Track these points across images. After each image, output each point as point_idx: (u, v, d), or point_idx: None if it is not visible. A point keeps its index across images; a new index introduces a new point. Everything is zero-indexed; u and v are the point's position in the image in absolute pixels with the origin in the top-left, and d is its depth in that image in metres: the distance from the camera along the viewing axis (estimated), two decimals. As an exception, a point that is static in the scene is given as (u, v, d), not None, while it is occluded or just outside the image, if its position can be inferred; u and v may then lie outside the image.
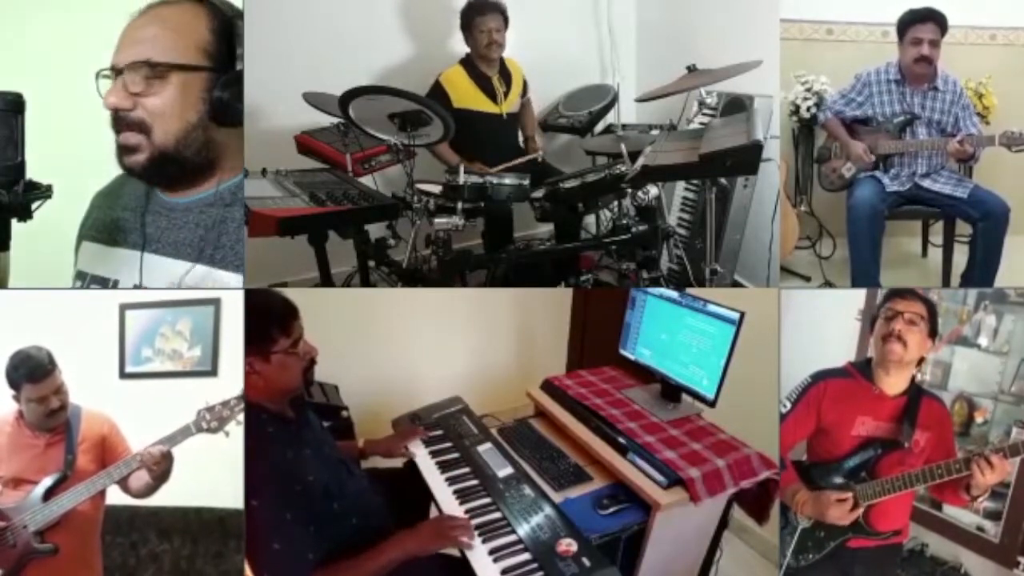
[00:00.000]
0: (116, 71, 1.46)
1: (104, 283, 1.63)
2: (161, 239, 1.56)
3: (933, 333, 1.74)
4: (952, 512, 2.23)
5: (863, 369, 1.80)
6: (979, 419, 2.22)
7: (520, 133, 3.35)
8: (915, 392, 1.76)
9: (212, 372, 2.48)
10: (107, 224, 1.66)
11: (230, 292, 1.55)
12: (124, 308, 2.52)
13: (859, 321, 2.54)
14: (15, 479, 1.83)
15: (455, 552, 1.60)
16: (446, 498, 1.78)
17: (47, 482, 1.79)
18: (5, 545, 1.74)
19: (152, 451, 1.73)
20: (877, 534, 1.73)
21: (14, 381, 1.83)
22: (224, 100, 1.49)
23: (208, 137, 1.51)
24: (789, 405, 1.79)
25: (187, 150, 1.50)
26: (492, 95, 3.10)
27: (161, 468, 1.75)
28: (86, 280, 1.66)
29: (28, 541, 1.75)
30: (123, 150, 1.49)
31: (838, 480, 1.73)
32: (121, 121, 1.47)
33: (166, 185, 1.57)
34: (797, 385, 1.82)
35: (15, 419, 1.88)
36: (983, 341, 2.26)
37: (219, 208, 1.54)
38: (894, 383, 1.76)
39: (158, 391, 2.48)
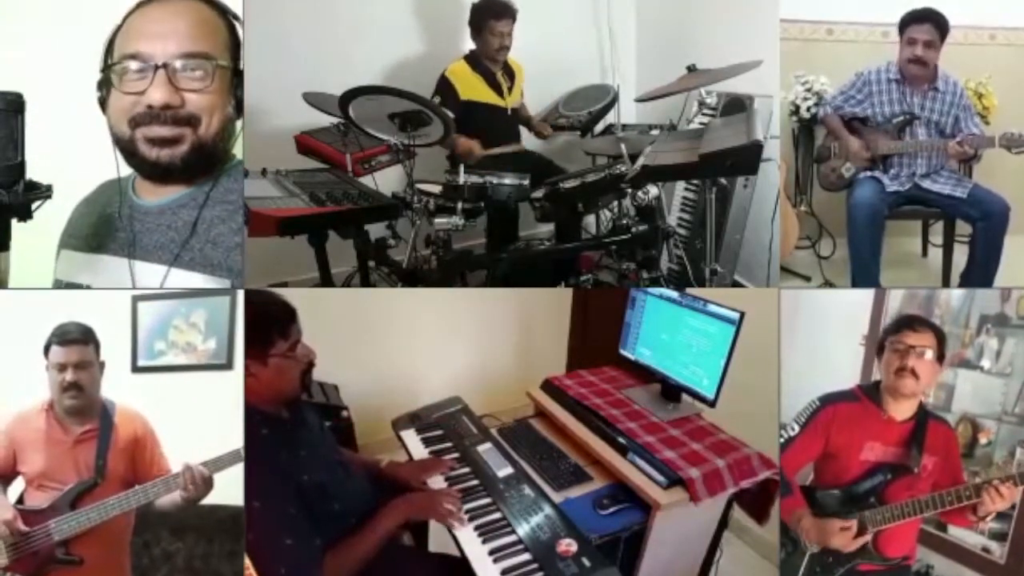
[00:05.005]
0: (155, 65, 1.42)
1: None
2: (135, 243, 1.53)
3: (941, 358, 1.74)
4: (958, 534, 2.21)
5: (871, 393, 1.79)
6: (983, 440, 2.22)
7: (525, 126, 3.38)
8: (922, 416, 1.76)
9: (228, 365, 2.43)
10: (84, 231, 1.62)
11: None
12: (136, 300, 2.46)
13: (863, 347, 2.53)
14: (41, 477, 1.77)
15: (455, 552, 1.61)
16: (446, 498, 1.77)
17: (76, 488, 1.73)
18: (28, 550, 1.68)
19: (195, 471, 1.68)
20: (886, 560, 1.72)
21: (47, 345, 1.79)
22: (241, 99, 1.53)
23: (233, 132, 1.54)
24: (797, 428, 1.78)
25: (223, 143, 1.51)
26: (498, 89, 3.12)
27: (199, 492, 1.70)
28: (62, 288, 1.62)
29: (52, 549, 1.69)
30: (157, 143, 1.45)
31: (847, 507, 1.72)
32: (160, 117, 1.44)
33: (186, 179, 1.53)
34: (805, 407, 1.80)
35: (44, 411, 1.81)
36: (986, 363, 2.27)
37: (192, 210, 1.51)
38: (903, 409, 1.75)
39: (172, 385, 2.45)
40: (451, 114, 2.78)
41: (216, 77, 1.46)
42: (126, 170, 1.56)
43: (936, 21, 2.65)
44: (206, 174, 1.54)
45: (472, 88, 3.04)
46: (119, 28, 1.50)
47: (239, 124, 1.57)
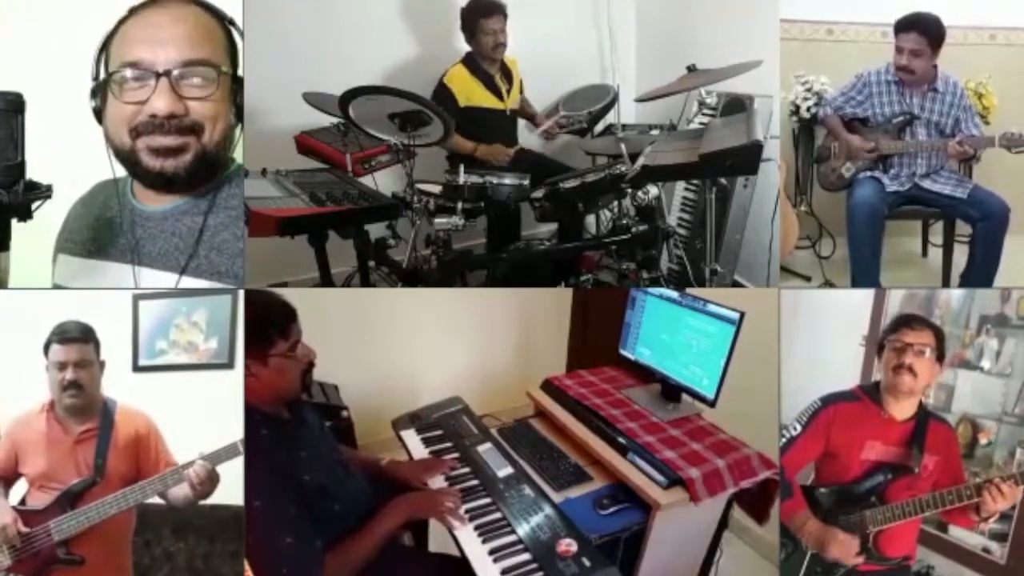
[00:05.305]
0: (156, 73, 1.37)
1: None
2: (138, 250, 1.50)
3: (940, 358, 1.75)
4: (958, 534, 2.21)
5: (872, 393, 1.79)
6: (983, 440, 2.22)
7: (526, 121, 3.41)
8: (923, 416, 1.76)
9: (229, 364, 2.42)
10: (82, 234, 1.58)
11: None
12: (137, 299, 2.45)
13: (863, 347, 2.53)
14: (42, 478, 1.77)
15: (455, 552, 1.61)
16: (446, 498, 1.77)
17: (74, 488, 1.72)
18: (29, 551, 1.68)
19: (198, 469, 1.67)
20: (886, 560, 1.72)
21: (47, 344, 1.78)
22: (241, 106, 1.49)
23: (234, 139, 1.51)
24: (799, 428, 1.78)
25: (224, 152, 1.48)
26: (497, 92, 3.12)
27: (205, 489, 1.69)
28: None
29: (53, 549, 1.68)
30: (161, 153, 1.41)
31: (847, 506, 1.72)
32: (163, 126, 1.39)
33: (188, 188, 1.50)
34: (806, 408, 1.81)
35: (45, 412, 1.81)
36: (986, 364, 2.28)
37: (195, 216, 1.49)
38: (903, 408, 1.75)
39: (173, 385, 2.44)
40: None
41: (219, 84, 1.42)
42: (122, 171, 1.53)
43: (923, 28, 2.61)
44: (208, 182, 1.51)
45: (471, 93, 3.04)
46: (112, 35, 1.45)
47: (238, 131, 1.54)
